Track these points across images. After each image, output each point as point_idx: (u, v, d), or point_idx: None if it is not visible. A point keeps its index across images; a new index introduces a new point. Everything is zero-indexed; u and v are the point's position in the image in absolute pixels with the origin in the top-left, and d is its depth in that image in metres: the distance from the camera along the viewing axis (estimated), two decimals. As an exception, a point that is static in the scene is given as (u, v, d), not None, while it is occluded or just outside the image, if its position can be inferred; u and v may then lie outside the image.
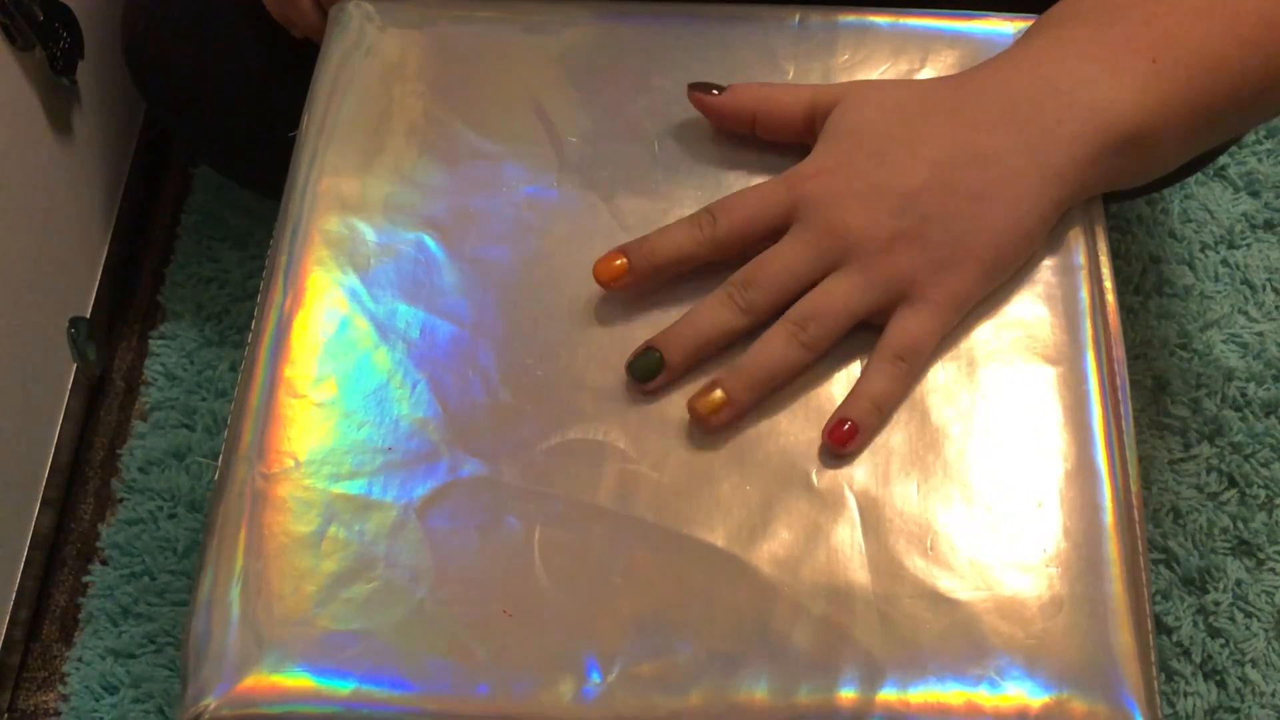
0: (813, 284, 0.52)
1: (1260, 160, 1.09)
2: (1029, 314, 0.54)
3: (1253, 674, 0.87)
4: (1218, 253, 1.05)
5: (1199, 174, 1.08)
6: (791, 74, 0.61)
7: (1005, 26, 0.61)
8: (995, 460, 0.51)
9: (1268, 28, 0.53)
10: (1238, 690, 0.87)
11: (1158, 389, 0.98)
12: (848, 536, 0.50)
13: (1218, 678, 0.87)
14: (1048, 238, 0.55)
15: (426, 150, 0.59)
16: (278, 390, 0.53)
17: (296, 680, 0.47)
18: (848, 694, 0.46)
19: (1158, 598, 0.90)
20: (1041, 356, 0.53)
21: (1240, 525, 0.92)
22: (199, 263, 1.05)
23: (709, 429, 0.51)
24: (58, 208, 0.94)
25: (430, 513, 0.50)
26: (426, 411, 0.52)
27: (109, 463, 0.97)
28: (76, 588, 0.92)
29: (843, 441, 0.51)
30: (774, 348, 0.52)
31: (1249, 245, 1.05)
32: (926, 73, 0.60)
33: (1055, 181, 0.53)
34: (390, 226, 0.57)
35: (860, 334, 0.53)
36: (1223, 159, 1.08)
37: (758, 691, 0.47)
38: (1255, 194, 1.07)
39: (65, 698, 0.88)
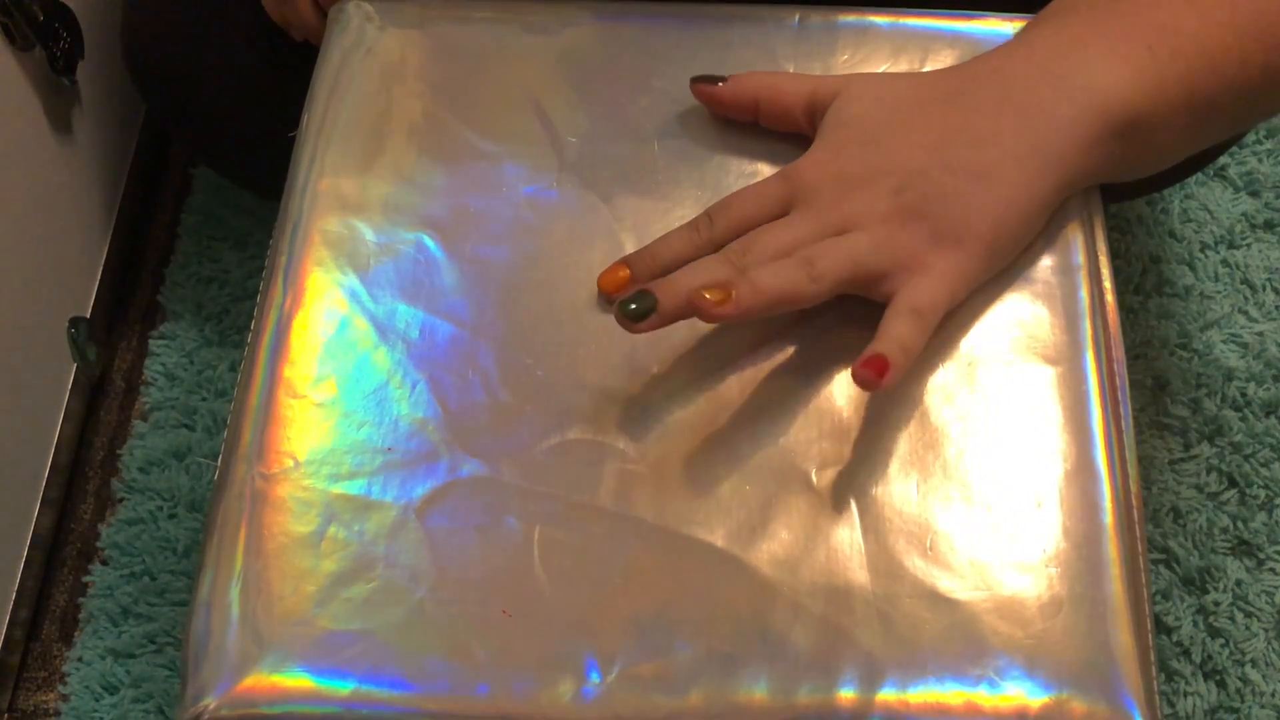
0: None
1: (1260, 160, 1.09)
2: (1028, 314, 0.54)
3: (1253, 674, 0.87)
4: (1218, 253, 1.05)
5: (1199, 174, 1.08)
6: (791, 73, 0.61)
7: (1005, 27, 0.62)
8: (995, 460, 0.51)
9: (1265, 18, 0.53)
10: (1238, 690, 0.87)
11: (1158, 389, 0.98)
12: (847, 536, 0.50)
13: (1218, 678, 0.87)
14: (1048, 223, 0.55)
15: (426, 150, 0.59)
16: (277, 390, 0.53)
17: (296, 680, 0.47)
18: (847, 694, 0.46)
19: (1158, 598, 0.90)
20: (1041, 356, 0.53)
21: (1240, 525, 0.92)
22: (199, 263, 1.05)
23: (706, 317, 0.50)
24: (58, 208, 0.94)
25: (430, 513, 0.50)
26: (426, 411, 0.52)
27: (109, 463, 0.97)
28: (76, 588, 0.92)
29: (879, 372, 0.49)
30: (784, 269, 0.51)
31: (1249, 245, 1.05)
32: (926, 73, 0.60)
33: (1055, 164, 0.53)
34: (390, 226, 0.57)
35: (860, 334, 0.53)
36: (1223, 159, 1.08)
37: (757, 691, 0.47)
38: (1255, 194, 1.07)
39: (65, 698, 0.88)
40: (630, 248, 0.56)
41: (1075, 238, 0.56)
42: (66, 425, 0.95)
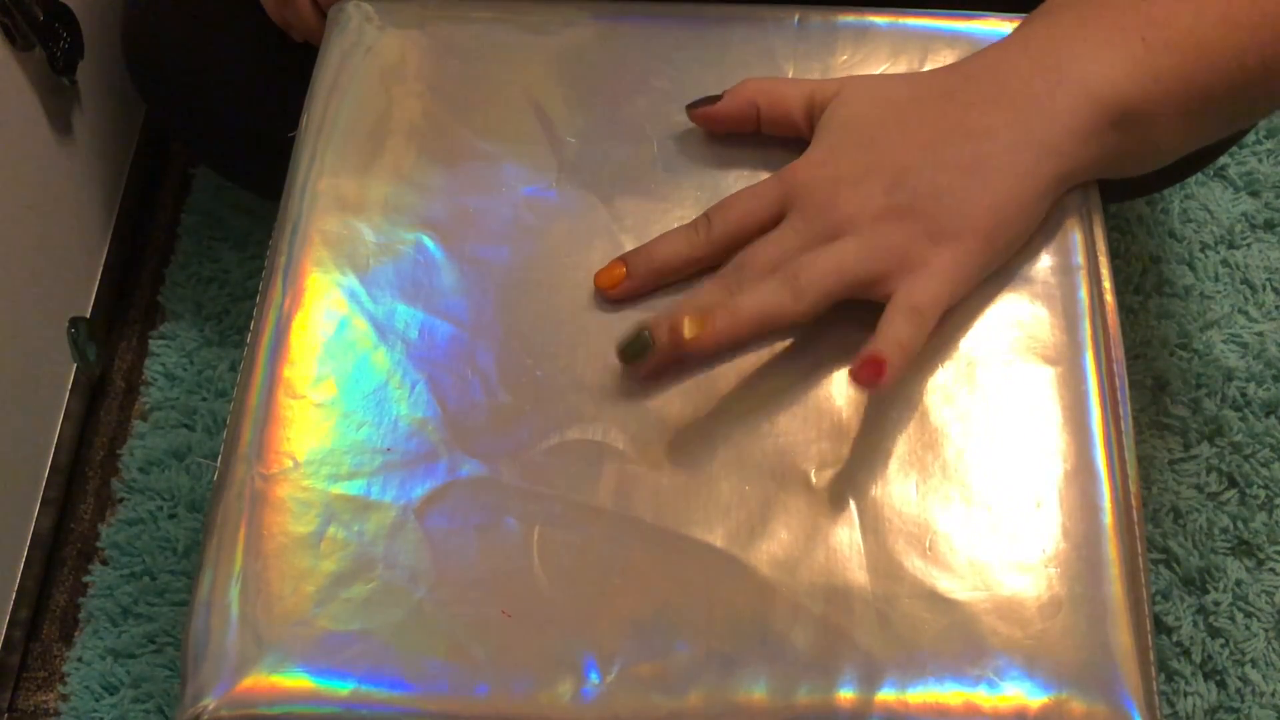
0: None
1: (1260, 160, 1.09)
2: (1028, 314, 0.54)
3: (1253, 674, 0.87)
4: (1218, 253, 1.05)
5: (1199, 174, 1.08)
6: (791, 74, 0.61)
7: (1004, 27, 0.61)
8: (994, 460, 0.51)
9: (1261, 12, 0.53)
10: (1238, 690, 0.87)
11: (1158, 389, 0.98)
12: (846, 537, 0.50)
13: (1218, 678, 0.87)
14: (1047, 222, 0.55)
15: (425, 150, 0.59)
16: (277, 390, 0.53)
17: (295, 681, 0.47)
18: (846, 694, 0.46)
19: (1158, 598, 0.90)
20: (1040, 357, 0.53)
21: (1240, 525, 0.92)
22: (199, 263, 1.05)
23: (688, 351, 0.50)
24: (58, 208, 0.94)
25: (429, 513, 0.50)
26: (425, 412, 0.52)
27: (109, 463, 0.97)
28: (76, 588, 0.92)
29: (876, 373, 0.49)
30: (765, 289, 0.51)
31: (1249, 245, 1.05)
32: (926, 73, 0.60)
33: (1051, 155, 0.53)
34: (389, 227, 0.57)
35: (859, 335, 0.53)
36: (1223, 159, 1.08)
37: (756, 692, 0.47)
38: (1255, 194, 1.07)
39: (65, 698, 0.88)
40: (630, 247, 0.56)
41: (1075, 238, 0.56)
42: (66, 425, 0.95)
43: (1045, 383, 0.53)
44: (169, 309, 1.03)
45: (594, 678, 0.47)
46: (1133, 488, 0.51)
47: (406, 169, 0.58)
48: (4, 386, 0.87)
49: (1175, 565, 0.91)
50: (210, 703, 0.46)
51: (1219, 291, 1.03)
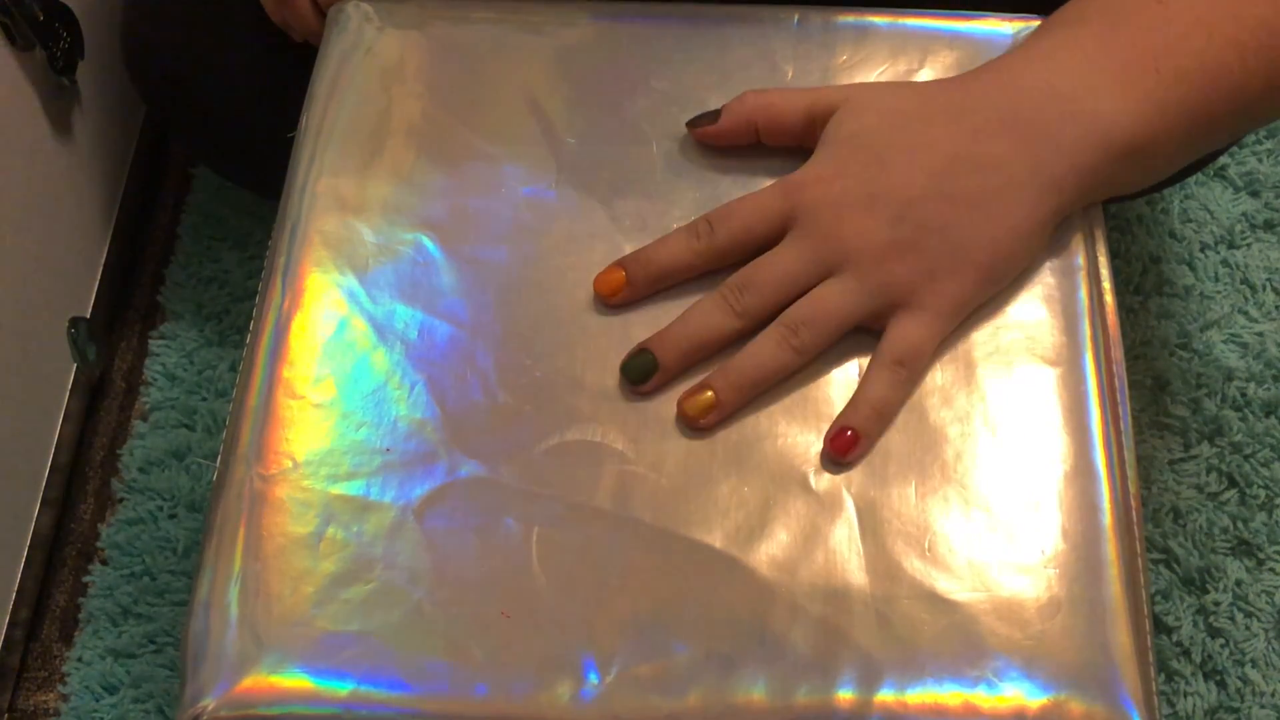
0: (808, 289, 0.52)
1: (1260, 160, 1.09)
2: (1028, 315, 0.54)
3: (1253, 674, 0.87)
4: (1218, 253, 1.04)
5: (1199, 174, 1.08)
6: (791, 74, 0.61)
7: (1004, 27, 0.61)
8: (993, 461, 0.51)
9: (1270, 34, 0.53)
10: (1238, 690, 0.87)
11: (1158, 389, 0.98)
12: (846, 538, 0.50)
13: (1218, 678, 0.87)
14: (1047, 243, 0.55)
15: (425, 151, 0.59)
16: (276, 391, 0.53)
17: (295, 681, 0.47)
18: (845, 695, 0.46)
19: (1158, 598, 0.90)
20: (1040, 358, 0.53)
21: (1240, 525, 0.92)
22: (199, 263, 1.05)
23: (697, 429, 0.52)
24: (58, 208, 0.94)
25: (428, 514, 0.50)
26: (425, 412, 0.52)
27: (109, 463, 0.97)
28: (76, 588, 0.92)
29: (845, 450, 0.51)
30: (764, 350, 0.52)
31: (1249, 245, 1.05)
32: (925, 73, 0.60)
33: (1054, 189, 0.53)
34: (388, 227, 0.57)
35: (859, 337, 0.53)
36: (1223, 159, 1.08)
37: (755, 692, 0.47)
38: (1255, 194, 1.07)
39: (65, 698, 0.88)
40: (629, 248, 0.56)
41: (1075, 238, 0.56)
42: (66, 425, 0.95)
43: (1045, 383, 0.53)
44: (169, 309, 1.03)
45: (593, 678, 0.47)
46: (1132, 488, 0.51)
47: (406, 169, 0.58)
48: (4, 386, 0.87)
49: (1175, 565, 0.91)
50: (210, 703, 0.46)
51: (1219, 291, 1.03)
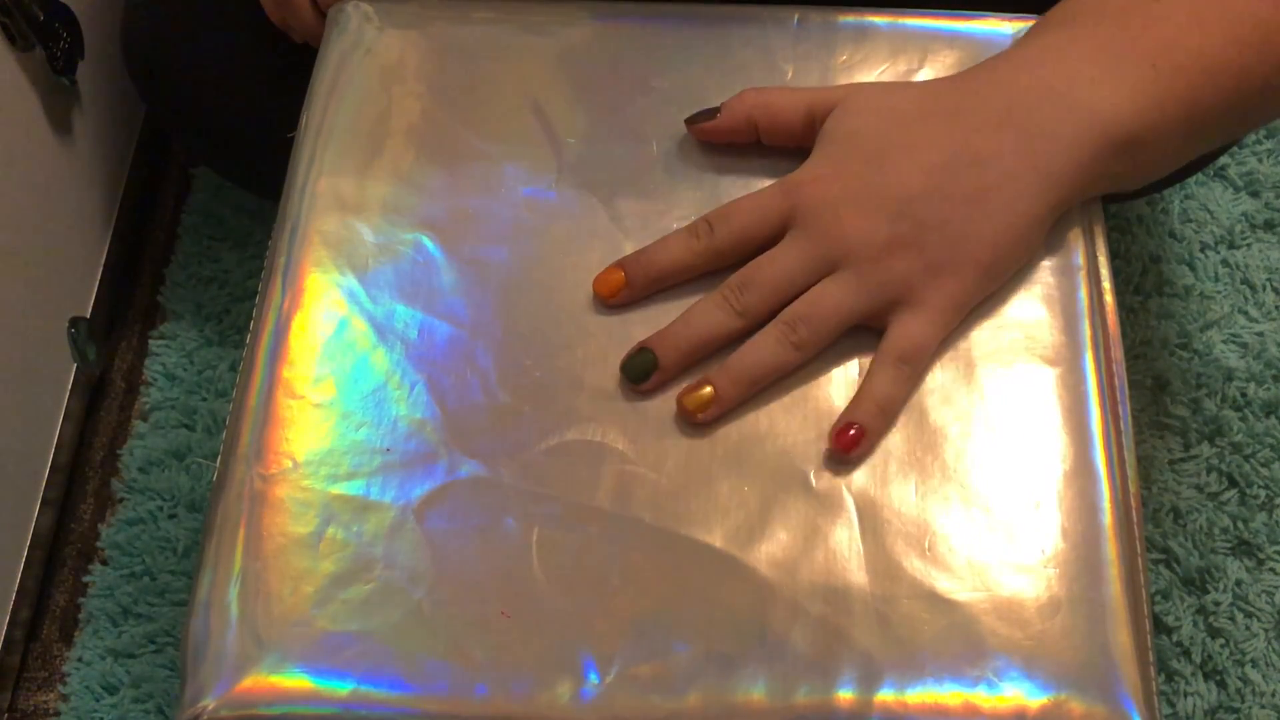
0: (808, 288, 0.52)
1: (1260, 160, 1.09)
2: (1028, 315, 0.54)
3: (1253, 674, 0.87)
4: (1218, 253, 1.05)
5: (1199, 174, 1.08)
6: (791, 74, 0.61)
7: (1004, 27, 0.61)
8: (994, 461, 0.51)
9: (1265, 30, 0.53)
10: (1238, 690, 0.87)
11: (1158, 389, 0.98)
12: (846, 537, 0.50)
13: (1218, 678, 0.87)
14: (1045, 239, 0.55)
15: (425, 151, 0.59)
16: (276, 391, 0.53)
17: (295, 681, 0.47)
18: (846, 695, 0.46)
19: (1158, 598, 0.90)
20: (1040, 358, 0.53)
21: (1240, 525, 0.92)
22: (199, 263, 1.05)
23: (696, 423, 0.52)
24: (58, 208, 0.94)
25: (428, 514, 0.50)
26: (425, 412, 0.52)
27: (109, 463, 0.97)
28: (76, 588, 0.92)
29: (849, 446, 0.51)
30: (764, 347, 0.52)
31: (1249, 245, 1.05)
32: (925, 73, 0.60)
33: (1052, 185, 0.53)
34: (389, 227, 0.57)
35: (859, 336, 0.53)
36: (1223, 159, 1.08)
37: (755, 692, 0.47)
38: (1255, 194, 1.07)
39: (65, 698, 0.88)
40: (629, 248, 0.56)
41: (1075, 238, 0.56)
42: (66, 425, 0.95)
43: (1045, 383, 0.53)
44: (169, 309, 1.03)
45: (593, 678, 0.47)
46: (1132, 488, 0.51)
47: (406, 169, 0.58)
48: (4, 386, 0.87)
49: (1175, 565, 0.91)
50: (210, 703, 0.46)
51: (1219, 291, 1.03)
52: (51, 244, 0.93)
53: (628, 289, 0.54)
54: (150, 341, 1.02)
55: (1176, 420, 0.96)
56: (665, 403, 0.53)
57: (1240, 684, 0.87)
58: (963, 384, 0.53)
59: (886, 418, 0.52)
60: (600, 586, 0.49)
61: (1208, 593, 0.90)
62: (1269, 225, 1.06)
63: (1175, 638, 0.88)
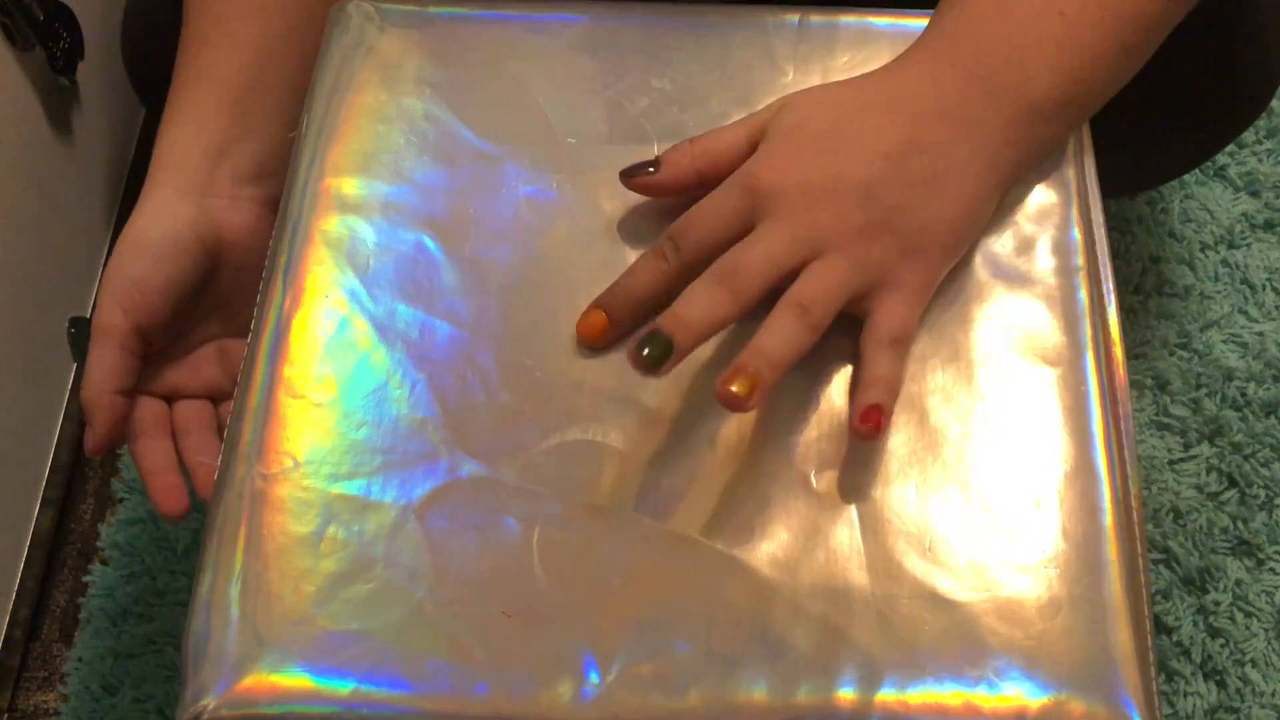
0: (793, 272, 0.52)
1: (1260, 160, 1.09)
2: (1028, 315, 0.54)
3: (1253, 674, 0.87)
4: (1218, 253, 1.05)
5: (1199, 174, 1.08)
6: (791, 75, 0.61)
7: (1005, 27, 0.61)
8: (994, 461, 0.51)
9: None
10: (1238, 690, 0.87)
11: (1158, 389, 0.98)
12: (846, 537, 0.50)
13: (1218, 678, 0.87)
14: (1048, 223, 0.56)
15: (426, 150, 0.59)
16: (277, 390, 0.53)
17: (295, 680, 0.47)
18: (846, 694, 0.46)
19: (1158, 598, 0.90)
20: (1041, 358, 0.53)
21: (1240, 525, 0.92)
22: (199, 262, 1.05)
23: (741, 410, 0.50)
24: (58, 208, 0.94)
25: (429, 513, 0.50)
26: (426, 412, 0.52)
27: (109, 463, 0.97)
28: (76, 588, 0.92)
29: (876, 425, 0.50)
30: (787, 327, 0.51)
31: (1249, 245, 1.05)
32: (926, 73, 0.60)
33: (995, 166, 0.55)
34: (389, 227, 0.57)
35: (853, 332, 0.53)
36: (1223, 159, 1.08)
37: (756, 692, 0.47)
38: (1255, 194, 1.07)
39: (65, 698, 0.88)
40: (629, 249, 0.56)
41: (1075, 238, 0.56)
42: (66, 425, 0.95)
43: (1045, 383, 0.53)
44: (169, 309, 1.03)
45: (594, 678, 0.47)
46: (1133, 488, 0.51)
47: (407, 169, 0.58)
48: (4, 386, 0.87)
49: (1175, 565, 0.91)
50: (210, 702, 0.46)
51: (1219, 291, 1.03)
52: (51, 244, 0.93)
53: (613, 328, 0.53)
54: (150, 341, 1.02)
55: (1176, 420, 0.96)
56: (666, 403, 0.53)
57: (1240, 684, 0.87)
58: (963, 384, 0.53)
59: (894, 397, 0.52)
60: (601, 586, 0.49)
61: (1208, 593, 0.90)
62: (1269, 225, 1.06)
63: (1175, 638, 0.88)
